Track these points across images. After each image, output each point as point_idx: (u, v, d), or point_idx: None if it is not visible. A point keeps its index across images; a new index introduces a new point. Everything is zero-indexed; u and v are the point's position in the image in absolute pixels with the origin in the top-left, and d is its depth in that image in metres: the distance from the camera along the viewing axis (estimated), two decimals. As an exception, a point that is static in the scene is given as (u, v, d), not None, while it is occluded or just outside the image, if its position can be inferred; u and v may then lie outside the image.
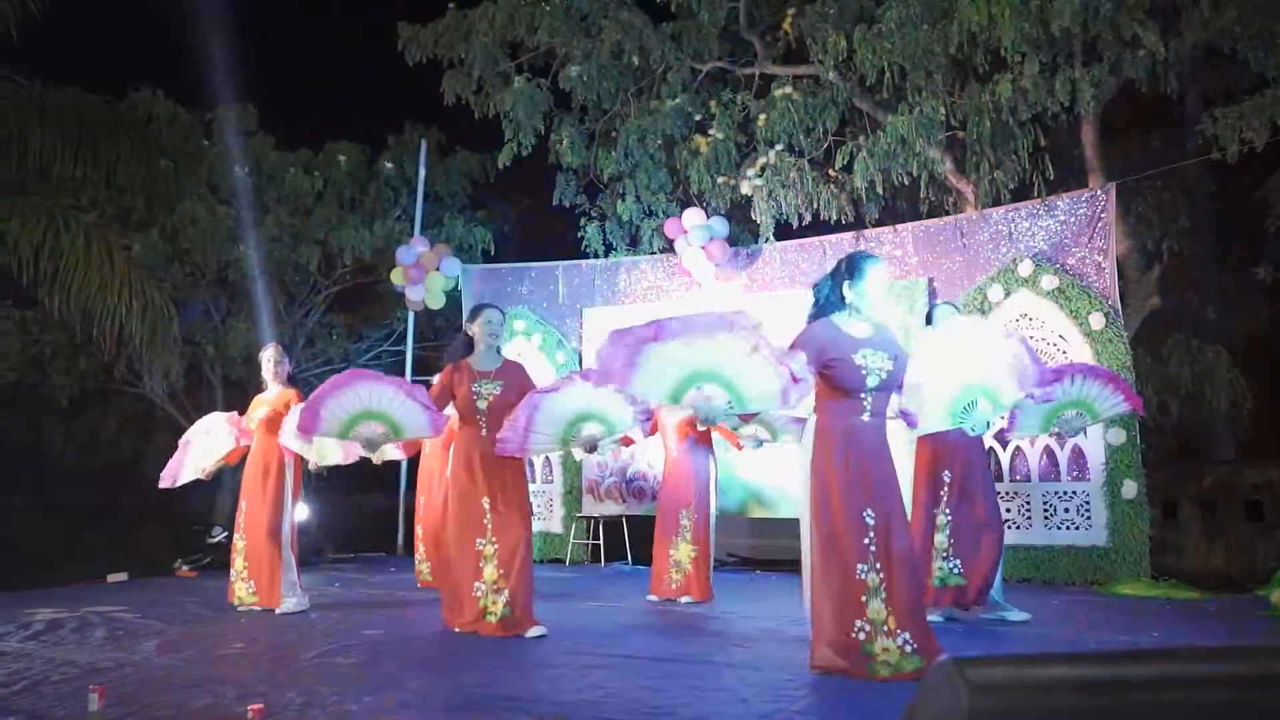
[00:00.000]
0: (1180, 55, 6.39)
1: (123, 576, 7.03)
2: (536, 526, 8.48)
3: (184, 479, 5.61)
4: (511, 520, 4.38)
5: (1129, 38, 6.09)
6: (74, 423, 10.84)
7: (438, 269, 8.95)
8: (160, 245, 9.54)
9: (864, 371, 3.42)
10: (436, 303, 9.10)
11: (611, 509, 8.27)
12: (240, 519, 5.48)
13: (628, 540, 8.20)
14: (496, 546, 4.34)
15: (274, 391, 5.57)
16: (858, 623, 3.30)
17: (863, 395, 3.45)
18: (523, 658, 3.86)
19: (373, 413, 4.20)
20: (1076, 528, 6.44)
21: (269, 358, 5.63)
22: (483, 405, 4.42)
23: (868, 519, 3.36)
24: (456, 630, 4.40)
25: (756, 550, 8.38)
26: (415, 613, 5.33)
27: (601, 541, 8.28)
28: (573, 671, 3.55)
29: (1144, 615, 5.02)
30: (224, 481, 11.35)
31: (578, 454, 4.56)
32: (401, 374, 9.58)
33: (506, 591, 4.30)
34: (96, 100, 8.58)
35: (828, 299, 3.55)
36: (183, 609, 5.31)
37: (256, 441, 5.50)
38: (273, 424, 5.39)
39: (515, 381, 4.51)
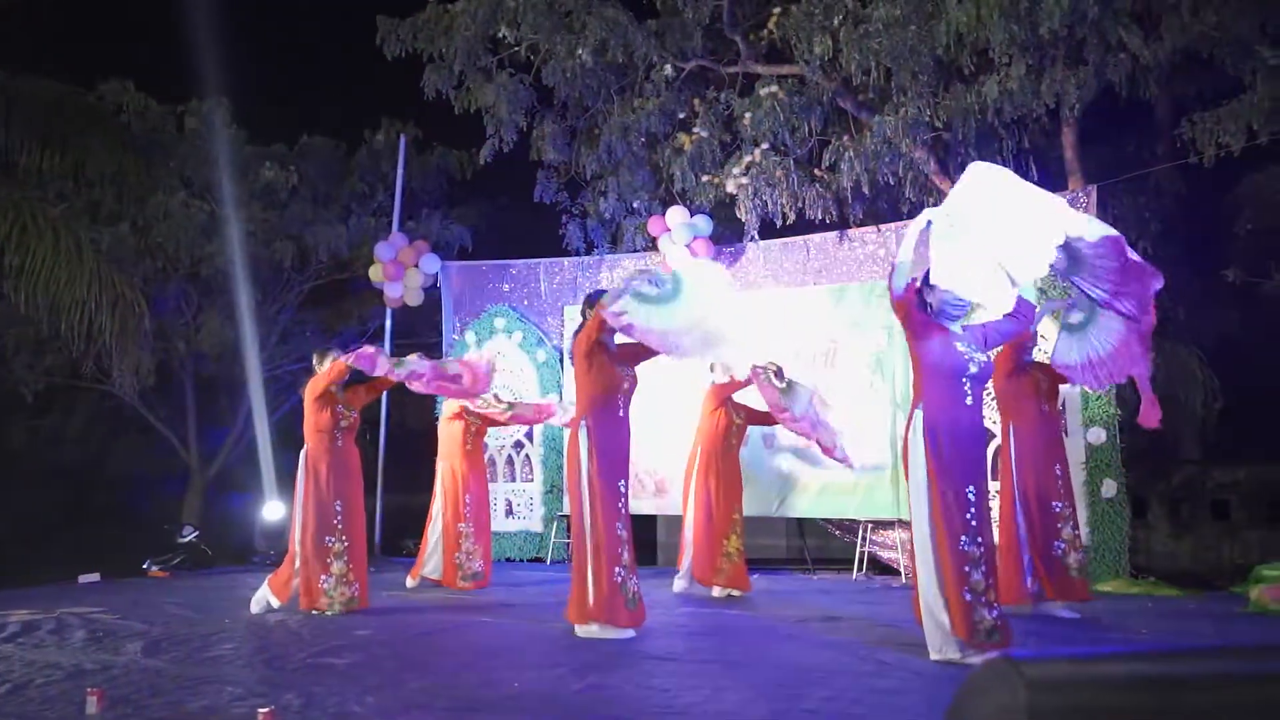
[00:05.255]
0: (1159, 59, 6.48)
1: (95, 577, 6.85)
2: (516, 525, 8.41)
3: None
4: None
5: (1114, 41, 6.16)
6: (39, 420, 10.57)
7: (416, 265, 8.85)
8: (131, 239, 9.32)
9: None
10: (415, 300, 8.99)
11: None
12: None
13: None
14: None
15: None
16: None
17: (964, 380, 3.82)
18: (520, 656, 3.81)
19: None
20: (1057, 526, 6.49)
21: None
22: (626, 386, 4.47)
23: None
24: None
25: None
26: (404, 613, 5.25)
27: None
28: (573, 671, 3.51)
29: (1128, 614, 5.08)
30: (193, 481, 11.14)
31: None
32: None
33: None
34: (65, 90, 8.37)
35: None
36: (162, 610, 5.18)
37: None
38: None
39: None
